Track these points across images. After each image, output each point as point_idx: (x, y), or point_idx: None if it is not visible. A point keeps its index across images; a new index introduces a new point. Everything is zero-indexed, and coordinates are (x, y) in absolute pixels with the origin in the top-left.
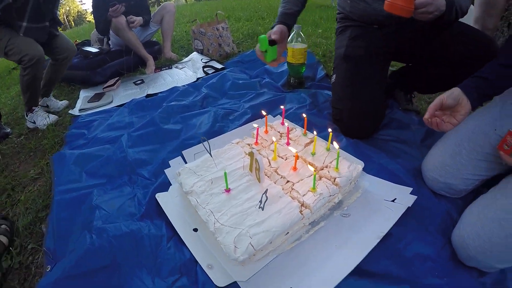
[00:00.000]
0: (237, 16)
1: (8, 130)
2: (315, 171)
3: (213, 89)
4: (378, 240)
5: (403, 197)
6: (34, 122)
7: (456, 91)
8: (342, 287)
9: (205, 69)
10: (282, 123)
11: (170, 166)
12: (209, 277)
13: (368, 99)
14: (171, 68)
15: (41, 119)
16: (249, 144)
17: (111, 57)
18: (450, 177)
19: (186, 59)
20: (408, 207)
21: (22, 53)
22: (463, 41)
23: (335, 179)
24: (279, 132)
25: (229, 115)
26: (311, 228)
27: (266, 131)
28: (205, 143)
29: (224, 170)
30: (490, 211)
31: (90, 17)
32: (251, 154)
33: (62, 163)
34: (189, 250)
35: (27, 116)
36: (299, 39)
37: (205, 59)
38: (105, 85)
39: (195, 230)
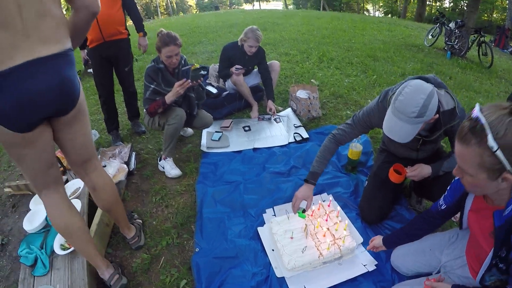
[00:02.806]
0: (329, 57)
1: (143, 128)
2: (332, 240)
3: (297, 161)
4: (352, 277)
5: (370, 265)
6: (163, 168)
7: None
8: None
9: (295, 135)
10: (329, 205)
11: (265, 213)
12: (274, 272)
13: (377, 205)
14: (270, 119)
15: (169, 168)
16: (308, 214)
17: (228, 100)
18: (403, 268)
19: (283, 113)
20: (369, 271)
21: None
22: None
23: (339, 246)
24: (325, 210)
25: None
26: (323, 264)
27: (319, 208)
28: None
29: (292, 229)
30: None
31: (192, 1)
32: (305, 225)
33: (203, 192)
34: (268, 258)
35: (159, 161)
36: (358, 142)
37: (297, 122)
38: (222, 125)
39: (273, 250)
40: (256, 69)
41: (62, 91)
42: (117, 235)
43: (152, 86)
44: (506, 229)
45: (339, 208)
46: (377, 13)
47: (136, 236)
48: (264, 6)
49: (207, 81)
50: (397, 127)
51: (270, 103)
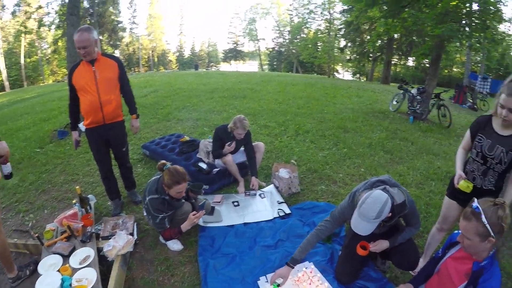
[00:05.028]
0: (305, 130)
1: (140, 198)
2: None
3: (282, 235)
4: None
5: None
6: (165, 241)
7: None
8: None
9: (278, 210)
10: (311, 272)
11: (259, 280)
12: None
13: (349, 269)
14: (255, 195)
15: (171, 243)
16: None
17: (219, 177)
18: None
19: (267, 189)
20: None
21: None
22: (400, 252)
23: None
24: (308, 275)
25: (289, 256)
26: None
27: (303, 275)
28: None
29: None
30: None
31: (172, 57)
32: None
33: (205, 263)
34: None
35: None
36: None
37: (279, 199)
38: (214, 200)
39: None
40: (242, 148)
41: None
42: None
43: (161, 215)
44: (477, 273)
45: (319, 274)
46: (345, 74)
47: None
48: (241, 66)
49: (197, 156)
50: (361, 225)
51: (253, 180)
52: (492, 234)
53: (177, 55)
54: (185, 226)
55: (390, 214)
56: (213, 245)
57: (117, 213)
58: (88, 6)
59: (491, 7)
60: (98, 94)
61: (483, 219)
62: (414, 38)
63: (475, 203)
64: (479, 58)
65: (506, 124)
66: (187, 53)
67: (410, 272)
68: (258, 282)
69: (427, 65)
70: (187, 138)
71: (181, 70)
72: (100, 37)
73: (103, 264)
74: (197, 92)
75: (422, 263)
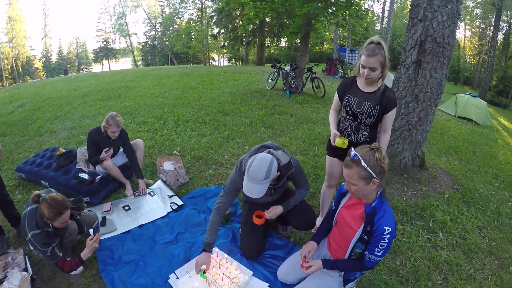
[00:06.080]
0: (184, 120)
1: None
2: (229, 281)
3: (180, 227)
4: None
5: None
6: None
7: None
8: None
9: (171, 204)
10: (217, 256)
11: (169, 278)
12: None
13: (254, 244)
14: (145, 194)
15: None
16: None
17: (102, 184)
18: (288, 278)
19: (155, 186)
20: None
21: None
22: (296, 216)
23: (237, 283)
24: (216, 260)
25: (192, 247)
26: None
27: (210, 261)
28: None
29: (196, 284)
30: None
31: (39, 64)
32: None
33: (110, 278)
34: None
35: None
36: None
37: (169, 192)
38: (103, 210)
39: None
40: (122, 149)
41: None
42: None
43: (49, 248)
44: (371, 213)
45: (226, 255)
46: (222, 60)
47: None
48: (114, 65)
49: (76, 166)
50: (253, 188)
51: (140, 183)
52: (374, 175)
53: (43, 61)
54: (85, 254)
55: (278, 173)
56: (113, 256)
57: (4, 251)
58: None
59: None
60: None
61: (363, 163)
62: (284, 20)
63: (353, 151)
64: (346, 34)
65: (368, 81)
66: (54, 58)
67: (312, 231)
68: (169, 280)
69: (299, 44)
70: (62, 150)
71: (50, 78)
72: None
73: None
74: (69, 99)
75: (320, 221)
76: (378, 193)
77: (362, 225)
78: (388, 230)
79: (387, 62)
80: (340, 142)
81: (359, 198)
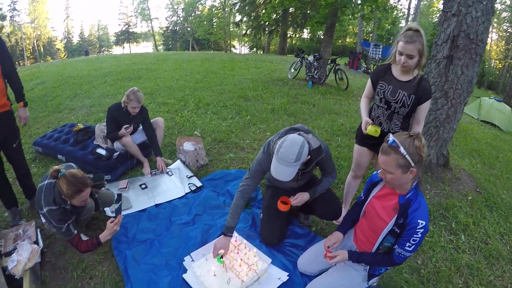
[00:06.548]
0: (205, 103)
1: None
2: (247, 267)
3: (198, 209)
4: None
5: (283, 276)
6: None
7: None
8: None
9: (189, 185)
10: (236, 241)
11: (184, 261)
12: None
13: (276, 230)
14: (163, 173)
15: None
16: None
17: (120, 161)
18: (309, 269)
19: (173, 166)
20: (284, 281)
21: None
22: (322, 203)
23: (255, 270)
24: (234, 245)
25: (209, 230)
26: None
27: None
28: None
29: (213, 268)
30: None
31: (60, 45)
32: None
33: (122, 256)
34: None
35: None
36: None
37: (188, 173)
38: (119, 187)
39: None
40: (141, 127)
41: None
42: None
43: (65, 225)
44: (405, 205)
45: (245, 241)
46: (243, 48)
47: None
48: (134, 48)
49: (94, 142)
50: (282, 171)
51: (159, 160)
52: (412, 164)
53: (64, 42)
54: (104, 237)
55: (309, 156)
56: (127, 234)
57: (16, 223)
58: None
59: None
60: None
61: (402, 150)
62: (308, 11)
63: (391, 137)
64: (370, 29)
65: (404, 69)
66: (75, 39)
67: (334, 222)
68: (184, 263)
69: (322, 36)
70: (81, 126)
71: (70, 58)
72: None
73: (13, 285)
74: (89, 78)
75: (343, 212)
76: (414, 184)
77: (395, 217)
78: (422, 224)
79: (425, 51)
80: (372, 130)
81: (393, 188)
